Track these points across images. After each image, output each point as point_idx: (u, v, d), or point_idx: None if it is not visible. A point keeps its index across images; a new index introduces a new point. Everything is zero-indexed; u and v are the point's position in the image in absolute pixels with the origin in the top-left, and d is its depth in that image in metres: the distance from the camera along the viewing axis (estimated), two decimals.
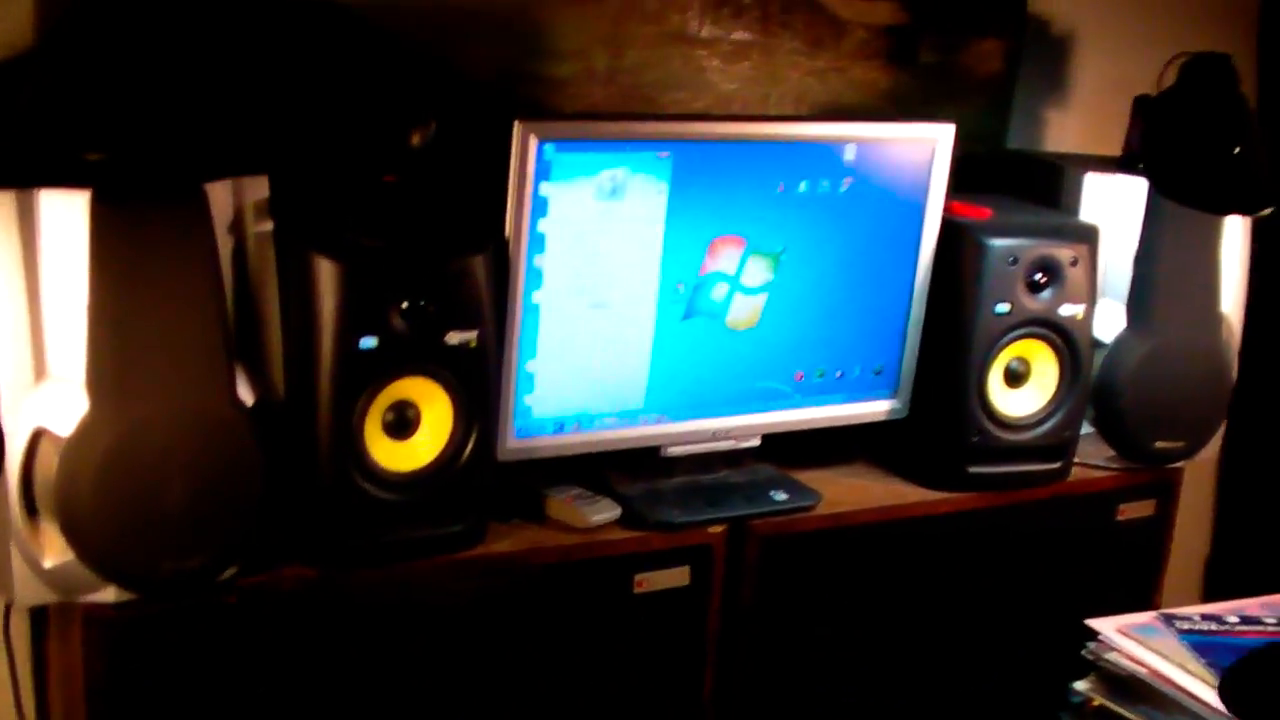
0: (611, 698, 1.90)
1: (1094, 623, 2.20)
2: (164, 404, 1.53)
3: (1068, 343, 2.09)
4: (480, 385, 1.70)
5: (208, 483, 1.56)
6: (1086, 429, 2.22)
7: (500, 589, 1.79)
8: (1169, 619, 2.22)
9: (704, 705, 1.97)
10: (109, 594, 1.57)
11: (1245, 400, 2.39)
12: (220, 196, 1.59)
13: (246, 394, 1.60)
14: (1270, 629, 2.19)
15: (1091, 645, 2.19)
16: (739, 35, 2.14)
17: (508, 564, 1.78)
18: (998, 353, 2.06)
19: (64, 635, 1.62)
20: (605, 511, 1.86)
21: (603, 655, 1.87)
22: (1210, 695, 2.02)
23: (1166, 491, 2.32)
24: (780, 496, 1.97)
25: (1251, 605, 2.28)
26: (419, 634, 1.75)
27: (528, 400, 1.81)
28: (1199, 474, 2.72)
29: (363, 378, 1.64)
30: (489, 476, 1.75)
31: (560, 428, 1.85)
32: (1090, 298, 2.10)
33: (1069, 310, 2.08)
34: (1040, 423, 2.12)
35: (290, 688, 1.69)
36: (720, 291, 1.92)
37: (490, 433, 1.74)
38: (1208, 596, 2.85)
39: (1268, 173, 1.65)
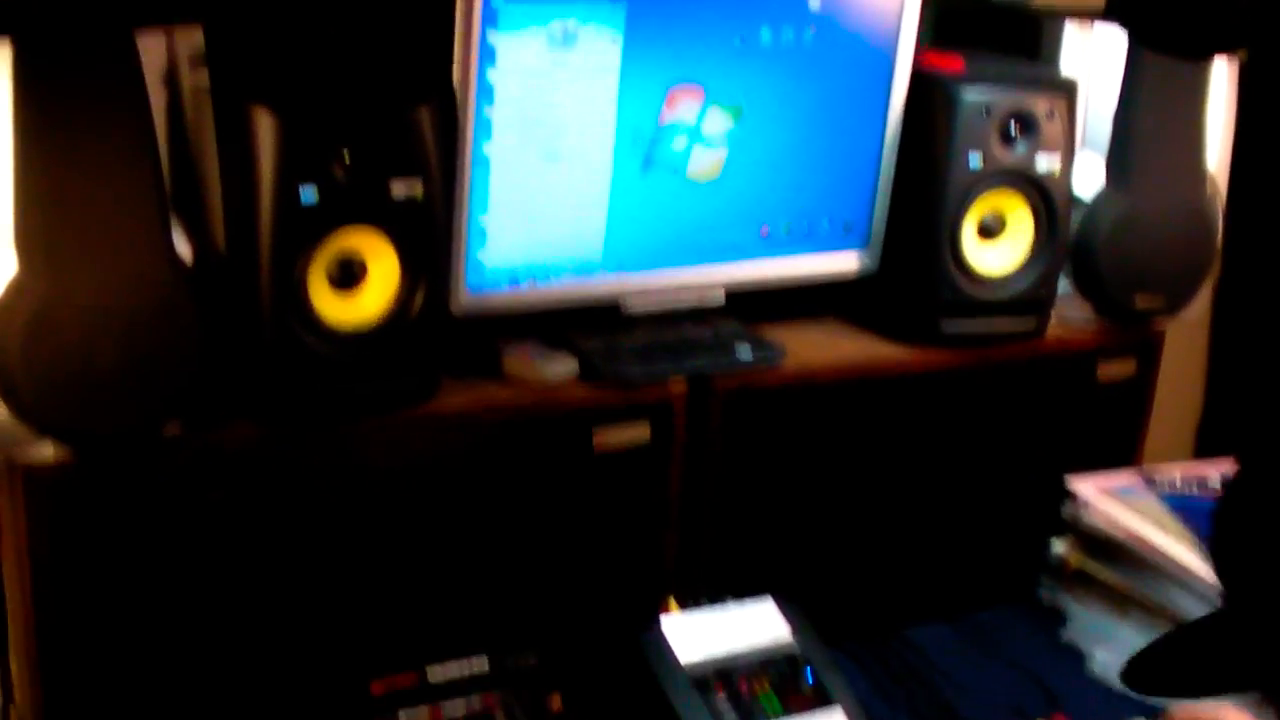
0: (571, 559, 1.88)
1: (1073, 482, 2.18)
2: (95, 262, 1.50)
3: (1043, 196, 2.04)
4: (427, 238, 1.67)
5: (142, 340, 1.53)
6: (1065, 289, 2.18)
7: (454, 446, 1.77)
8: (1149, 480, 2.21)
9: (666, 567, 1.95)
10: (48, 452, 1.56)
11: (1238, 260, 2.35)
12: (153, 48, 1.55)
13: (185, 250, 1.58)
14: None
15: (1070, 505, 2.18)
16: None
17: (461, 421, 1.76)
18: (970, 206, 2.01)
19: (8, 493, 1.60)
20: (562, 366, 1.83)
21: (562, 515, 1.86)
22: (1189, 557, 2.00)
23: (1148, 351, 2.28)
24: (744, 352, 1.93)
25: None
26: (370, 493, 1.73)
27: (480, 255, 1.78)
28: (1191, 335, 2.68)
29: (304, 231, 1.60)
30: (440, 332, 1.72)
31: (515, 282, 1.82)
32: (1067, 152, 2.05)
33: (1044, 164, 2.03)
34: (1016, 278, 2.07)
35: (237, 547, 1.68)
36: (680, 143, 1.87)
37: (440, 287, 1.71)
38: (1199, 454, 2.82)
39: (1245, 9, 1.59)
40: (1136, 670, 1.36)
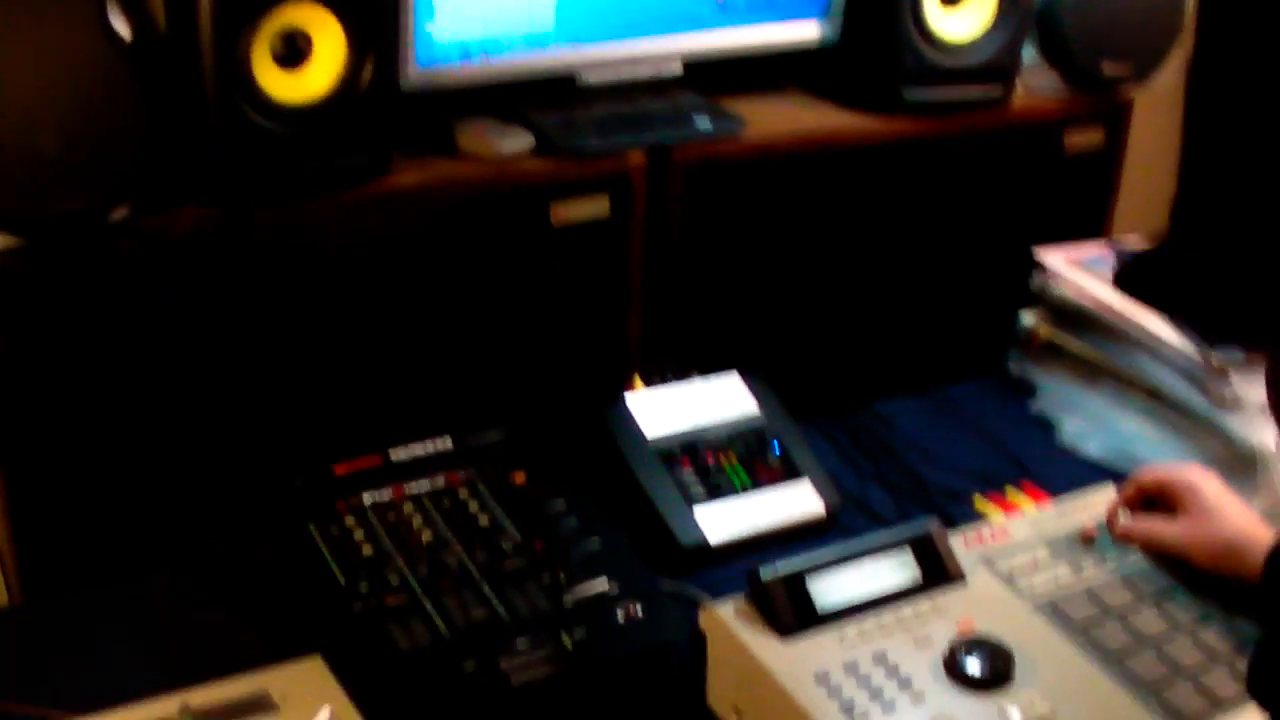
0: (533, 336, 1.86)
1: (1042, 254, 2.16)
2: (30, 45, 1.45)
3: None
4: (372, 11, 1.61)
5: (85, 122, 1.49)
6: (1032, 59, 2.14)
7: (410, 224, 1.73)
8: (1118, 251, 2.18)
9: (630, 342, 1.93)
10: None
11: (1213, 28, 2.30)
12: None
13: (124, 29, 1.52)
14: None
15: (1038, 277, 2.16)
16: None
17: (415, 197, 1.72)
18: None
19: None
20: (518, 140, 1.79)
21: (522, 292, 1.83)
22: (1158, 325, 1.99)
23: (1116, 120, 2.25)
24: (703, 123, 1.89)
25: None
26: (325, 275, 1.70)
27: (429, 28, 1.72)
28: (1165, 108, 2.63)
29: (246, 5, 1.55)
30: (390, 107, 1.68)
31: (466, 56, 1.76)
32: None
33: None
34: (980, 44, 2.03)
35: (193, 335, 1.65)
36: None
37: (389, 62, 1.66)
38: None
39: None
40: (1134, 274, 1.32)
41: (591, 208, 1.82)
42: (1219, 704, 1.42)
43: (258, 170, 1.61)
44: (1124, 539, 1.63)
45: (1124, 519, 1.64)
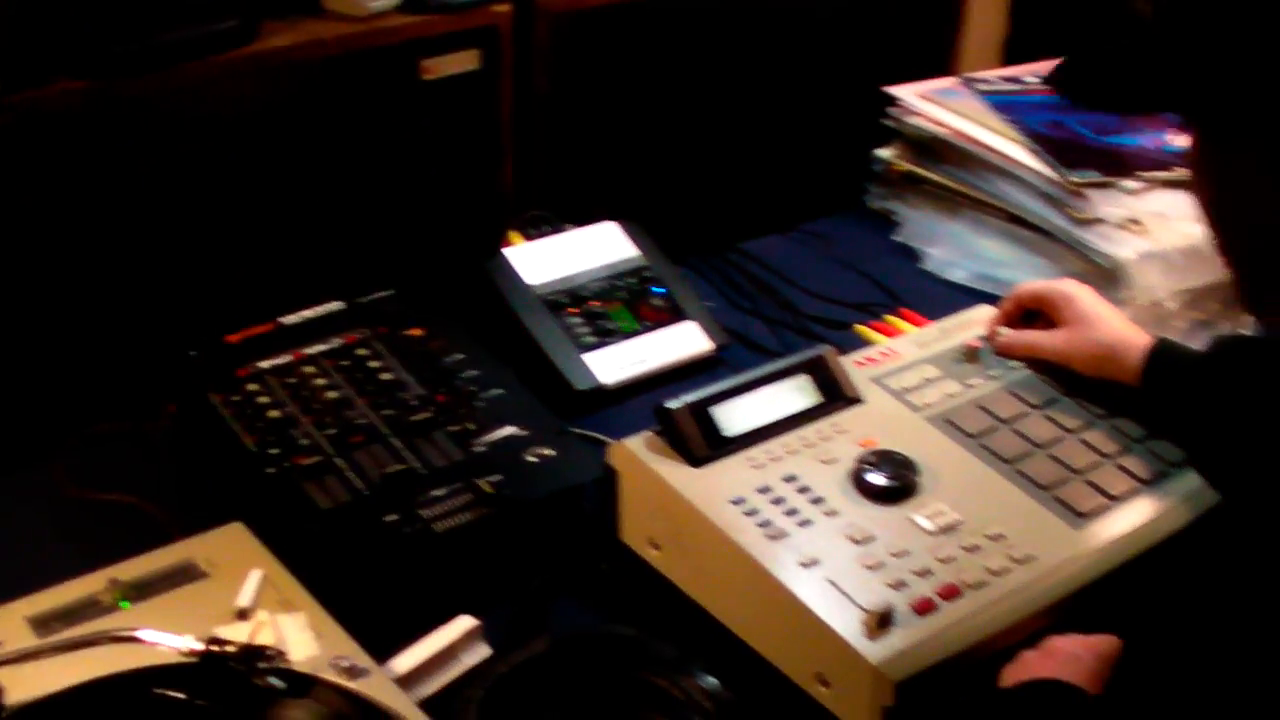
0: (410, 194, 1.85)
1: (894, 89, 2.20)
2: None
3: None
4: None
5: None
6: None
7: (280, 86, 1.72)
8: (969, 81, 2.23)
9: (504, 194, 1.93)
10: None
11: None
12: None
13: None
14: None
15: (893, 111, 2.19)
16: None
17: (285, 59, 1.70)
18: None
19: None
20: None
21: (395, 148, 1.82)
22: (1014, 149, 2.04)
23: None
24: None
25: (1048, 67, 2.28)
26: (199, 142, 1.68)
27: None
28: None
29: None
30: None
31: None
32: None
33: None
34: None
35: (72, 210, 1.63)
36: None
37: None
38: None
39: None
40: (1064, 75, 1.35)
41: (460, 61, 1.82)
42: (1112, 498, 1.48)
43: (127, 39, 1.57)
44: (1005, 352, 1.68)
45: (1004, 334, 1.69)
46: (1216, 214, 1.21)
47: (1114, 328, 1.61)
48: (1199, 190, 1.21)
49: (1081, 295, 1.65)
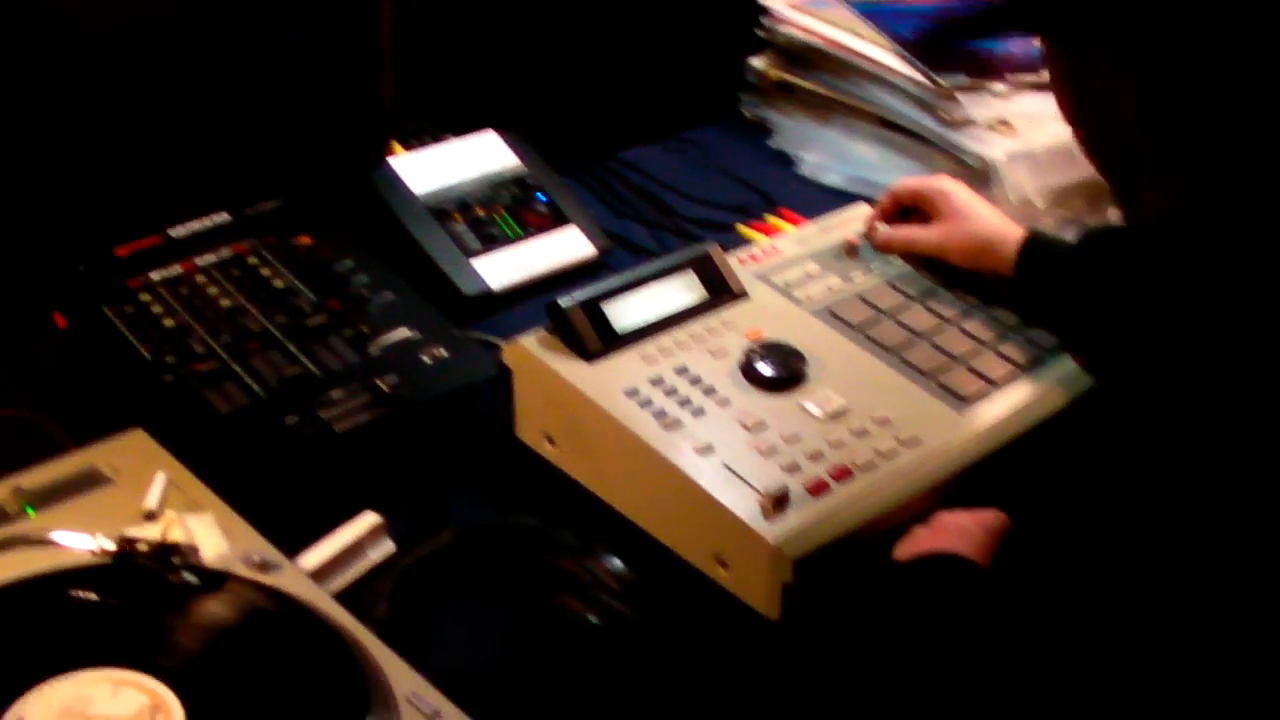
0: (289, 105, 1.84)
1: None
2: None
3: None
4: None
5: None
6: None
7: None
8: None
9: (384, 106, 1.93)
10: None
11: None
12: None
13: None
14: None
15: (765, 20, 2.22)
16: None
17: None
18: None
19: None
20: None
21: (275, 59, 1.80)
22: (885, 56, 2.08)
23: None
24: None
25: None
26: (79, 55, 1.65)
27: None
28: None
29: None
30: None
31: None
32: None
33: None
34: None
35: None
36: None
37: None
38: None
39: None
40: None
41: None
42: (992, 383, 1.53)
43: None
44: (884, 248, 1.72)
45: (883, 230, 1.73)
46: (1079, 117, 1.25)
47: (988, 221, 1.66)
48: (1060, 95, 1.25)
49: (956, 191, 1.69)
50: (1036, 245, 1.58)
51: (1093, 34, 1.16)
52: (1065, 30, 1.20)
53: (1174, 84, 1.15)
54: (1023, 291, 1.59)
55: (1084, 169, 1.29)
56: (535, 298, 1.76)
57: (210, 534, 1.25)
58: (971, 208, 1.67)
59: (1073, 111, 1.25)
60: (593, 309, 1.50)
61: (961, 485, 1.43)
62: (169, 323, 1.54)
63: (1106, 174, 1.33)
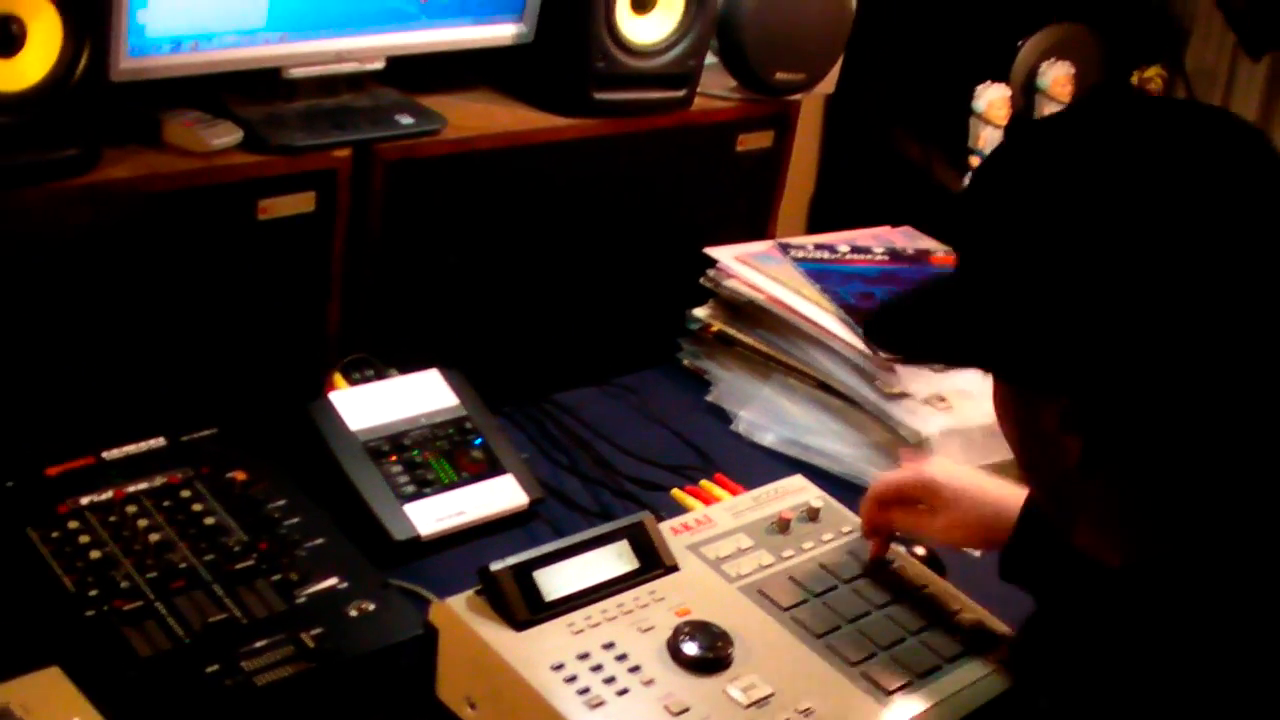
0: (236, 332, 1.85)
1: (713, 251, 2.26)
2: None
3: None
4: None
5: None
6: (710, 60, 2.24)
7: (116, 217, 1.70)
8: (784, 247, 2.30)
9: (328, 337, 1.94)
10: None
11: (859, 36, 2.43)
12: None
13: None
14: (878, 258, 2.29)
15: (711, 272, 2.25)
16: None
17: (126, 190, 1.69)
18: None
19: None
20: (226, 135, 1.77)
21: (226, 285, 1.82)
22: (825, 318, 2.10)
23: (784, 123, 2.37)
24: (406, 120, 1.92)
25: (861, 236, 2.39)
26: (31, 270, 1.66)
27: (141, 17, 1.68)
28: (810, 108, 2.77)
29: None
30: (101, 98, 1.64)
31: (177, 46, 1.74)
32: None
33: None
34: (666, 50, 2.11)
35: None
36: None
37: (102, 51, 1.63)
38: (811, 230, 2.95)
39: None
40: (878, 325, 1.39)
41: (297, 203, 1.82)
42: (918, 675, 1.54)
43: None
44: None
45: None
46: (1023, 450, 1.27)
47: (984, 497, 1.62)
48: (1005, 428, 1.28)
49: (940, 478, 1.65)
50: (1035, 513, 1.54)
51: (1043, 390, 1.19)
52: (1017, 380, 1.22)
53: (1120, 448, 1.17)
54: (1014, 554, 1.58)
55: None
56: (465, 545, 1.75)
57: None
58: (965, 492, 1.64)
59: (1017, 444, 1.27)
60: (524, 576, 1.49)
61: None
62: (95, 554, 1.52)
63: (1042, 498, 1.35)
